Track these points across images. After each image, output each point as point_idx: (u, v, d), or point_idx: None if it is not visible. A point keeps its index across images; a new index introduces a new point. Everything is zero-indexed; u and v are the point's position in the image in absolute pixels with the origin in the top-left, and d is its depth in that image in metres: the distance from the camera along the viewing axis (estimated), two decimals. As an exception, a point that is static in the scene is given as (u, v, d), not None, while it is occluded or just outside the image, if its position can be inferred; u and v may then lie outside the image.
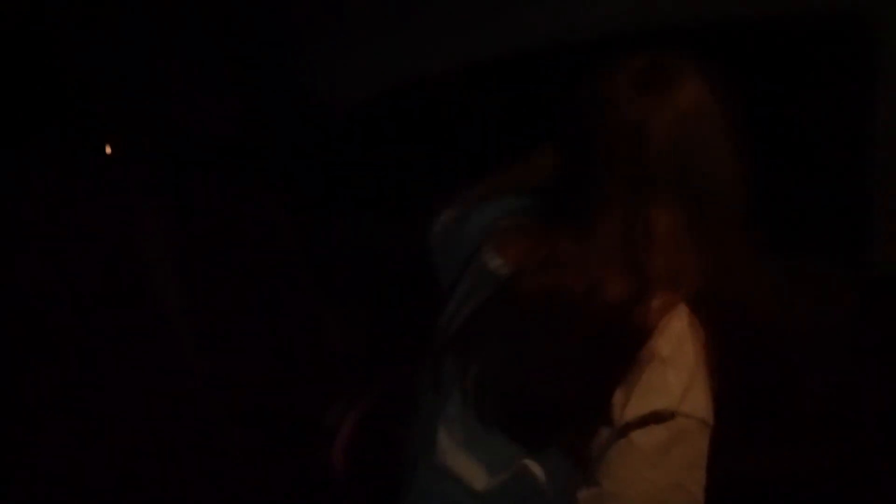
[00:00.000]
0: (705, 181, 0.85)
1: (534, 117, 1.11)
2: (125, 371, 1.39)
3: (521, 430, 0.81)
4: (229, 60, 1.65)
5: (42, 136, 1.43)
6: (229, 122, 1.67)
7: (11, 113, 1.42)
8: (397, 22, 1.51)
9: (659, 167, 0.83)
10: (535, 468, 0.80)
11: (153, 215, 1.48)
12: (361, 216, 1.76)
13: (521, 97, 1.49)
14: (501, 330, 0.85)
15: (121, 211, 1.47)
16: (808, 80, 1.37)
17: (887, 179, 1.34)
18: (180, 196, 1.57)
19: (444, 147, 1.45)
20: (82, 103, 1.47)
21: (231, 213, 1.66)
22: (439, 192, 1.27)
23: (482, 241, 0.96)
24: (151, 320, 1.45)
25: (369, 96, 1.65)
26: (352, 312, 1.77)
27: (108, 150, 1.50)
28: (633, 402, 0.75)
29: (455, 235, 1.05)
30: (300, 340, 1.68)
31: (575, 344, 0.79)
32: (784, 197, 1.49)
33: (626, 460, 0.75)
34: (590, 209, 0.85)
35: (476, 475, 0.85)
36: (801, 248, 1.51)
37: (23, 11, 1.40)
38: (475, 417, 0.85)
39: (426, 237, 1.13)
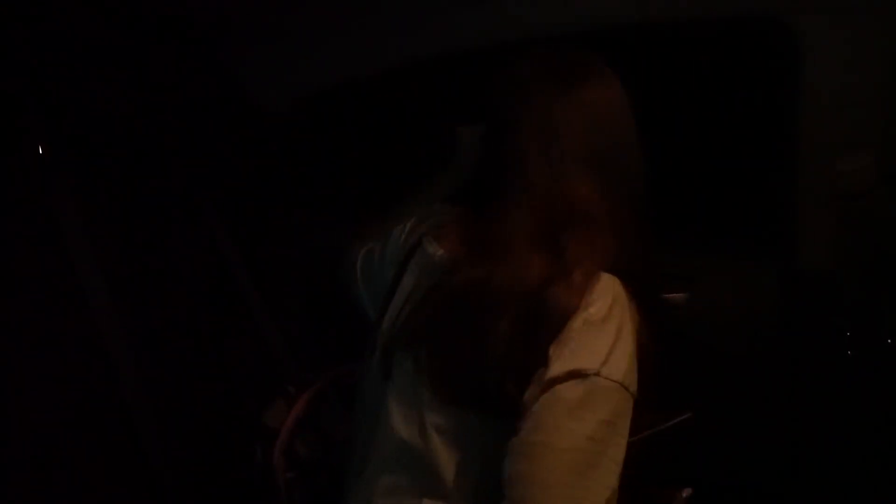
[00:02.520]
0: (614, 163, 0.93)
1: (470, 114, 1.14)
2: (53, 376, 1.36)
3: (474, 399, 0.86)
4: (166, 61, 1.62)
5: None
6: (167, 123, 1.65)
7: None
8: (337, 23, 1.50)
9: (573, 149, 0.91)
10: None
11: (85, 216, 1.46)
12: (298, 216, 1.76)
13: (461, 97, 1.50)
14: (445, 317, 0.90)
15: (52, 212, 1.44)
16: (735, 81, 1.41)
17: (811, 176, 1.38)
18: (113, 197, 1.54)
19: (384, 147, 1.45)
20: (14, 103, 1.44)
21: (166, 214, 1.64)
22: (375, 193, 1.27)
23: (422, 234, 1.01)
24: (83, 325, 1.42)
25: (308, 97, 1.64)
26: (289, 313, 1.77)
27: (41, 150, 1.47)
28: (561, 360, 0.82)
29: (380, 258, 1.11)
30: (238, 342, 1.67)
31: (509, 323, 0.85)
32: (713, 193, 1.53)
33: (551, 411, 0.80)
34: (514, 190, 0.92)
35: (430, 452, 0.89)
36: (731, 242, 1.56)
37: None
38: (430, 395, 0.89)
39: (348, 272, 1.17)
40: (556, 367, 0.81)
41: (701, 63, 1.40)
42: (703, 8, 1.29)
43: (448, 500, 0.87)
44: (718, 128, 1.46)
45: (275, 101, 1.67)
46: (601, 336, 0.83)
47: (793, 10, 1.26)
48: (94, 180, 1.50)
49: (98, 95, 1.54)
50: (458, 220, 1.00)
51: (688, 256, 1.58)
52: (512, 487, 0.78)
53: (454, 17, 1.38)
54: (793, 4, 1.26)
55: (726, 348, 1.57)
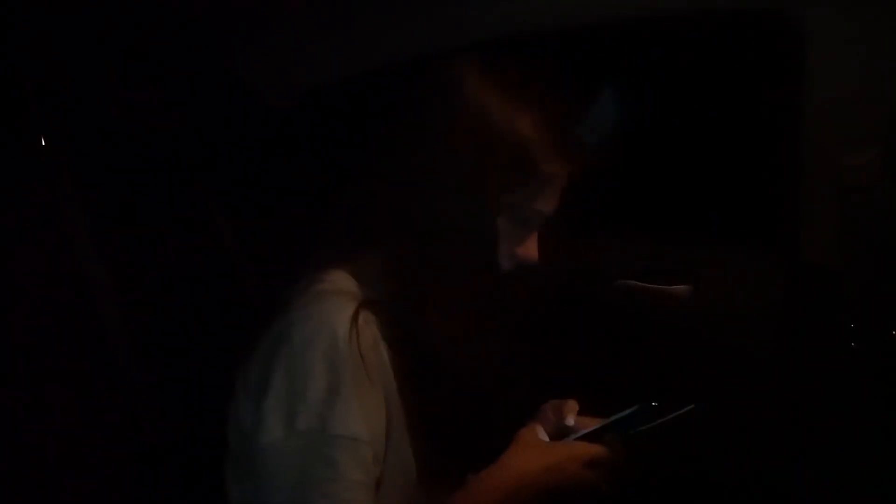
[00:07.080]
0: None
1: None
2: (55, 375, 1.36)
3: None
4: (167, 55, 1.61)
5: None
6: (167, 116, 1.64)
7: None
8: (340, 15, 1.49)
9: None
10: None
11: (87, 211, 1.45)
12: (302, 212, 1.75)
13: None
14: None
15: (54, 204, 1.43)
16: (740, 75, 1.40)
17: (816, 170, 1.37)
18: (116, 192, 1.54)
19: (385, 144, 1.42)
20: (16, 98, 1.43)
21: (170, 211, 1.64)
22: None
23: None
24: (86, 322, 1.42)
25: (311, 91, 1.63)
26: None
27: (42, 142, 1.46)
28: None
29: None
30: (240, 342, 1.67)
31: None
32: (717, 186, 1.53)
33: None
34: None
35: None
36: (735, 236, 1.56)
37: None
38: None
39: None
40: None
41: (705, 56, 1.39)
42: (707, 2, 1.28)
43: None
44: (723, 121, 1.45)
45: (280, 95, 1.66)
46: None
47: (798, 3, 1.25)
48: (96, 176, 1.50)
49: (100, 90, 1.53)
50: None
51: (691, 250, 1.58)
52: None
53: (464, 9, 1.37)
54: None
55: (729, 341, 1.57)
